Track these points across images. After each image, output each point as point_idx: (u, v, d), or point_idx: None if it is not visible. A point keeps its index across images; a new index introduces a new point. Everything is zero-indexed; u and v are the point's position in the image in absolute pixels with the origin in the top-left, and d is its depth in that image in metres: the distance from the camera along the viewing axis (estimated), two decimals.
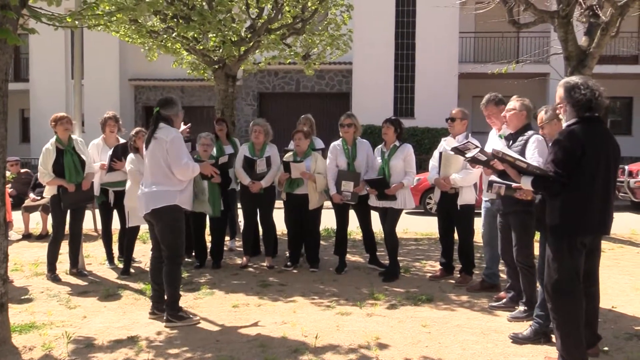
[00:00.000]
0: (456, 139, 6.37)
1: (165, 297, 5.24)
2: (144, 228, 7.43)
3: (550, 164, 3.98)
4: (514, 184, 4.48)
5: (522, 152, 4.92)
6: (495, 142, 5.72)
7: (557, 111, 4.26)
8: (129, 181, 6.91)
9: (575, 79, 4.14)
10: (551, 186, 3.99)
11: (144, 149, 5.33)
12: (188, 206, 5.37)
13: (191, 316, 5.30)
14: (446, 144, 6.49)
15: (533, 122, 5.27)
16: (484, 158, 5.08)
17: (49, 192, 6.83)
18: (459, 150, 5.51)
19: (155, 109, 5.26)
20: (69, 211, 6.87)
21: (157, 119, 5.21)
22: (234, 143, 8.34)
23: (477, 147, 5.30)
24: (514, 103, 5.26)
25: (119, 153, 7.11)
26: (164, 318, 5.19)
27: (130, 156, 6.84)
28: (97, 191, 7.29)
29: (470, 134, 6.38)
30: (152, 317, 5.35)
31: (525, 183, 4.15)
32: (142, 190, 5.26)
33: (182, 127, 5.73)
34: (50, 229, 7.83)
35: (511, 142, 5.19)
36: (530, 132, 5.10)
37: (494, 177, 5.06)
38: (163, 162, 5.09)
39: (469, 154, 5.12)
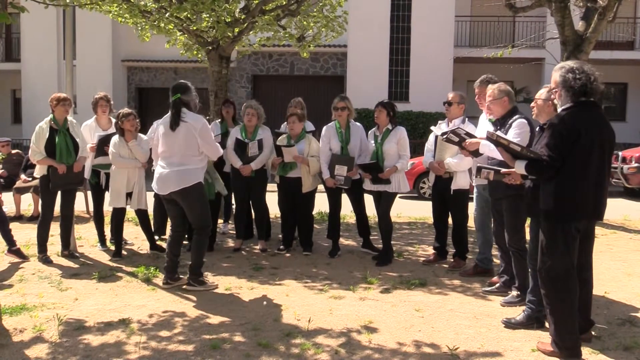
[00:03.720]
0: (452, 122, 6.34)
1: (190, 263, 5.72)
2: (132, 211, 7.41)
3: (544, 148, 3.96)
4: (502, 170, 4.47)
5: None
6: (485, 126, 5.70)
7: (552, 96, 4.23)
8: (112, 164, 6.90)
9: (570, 63, 4.12)
10: (545, 170, 3.97)
11: (170, 129, 5.53)
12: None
13: (211, 282, 5.78)
14: (438, 127, 6.47)
15: (520, 106, 5.28)
16: (456, 139, 5.14)
17: (39, 171, 6.76)
18: (449, 138, 5.50)
19: (176, 95, 5.56)
20: (59, 193, 6.83)
21: (179, 104, 5.55)
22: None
23: (466, 132, 5.31)
24: (491, 91, 5.30)
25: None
26: (187, 281, 5.69)
27: (114, 139, 6.81)
28: (88, 174, 7.24)
29: (467, 119, 6.36)
30: (167, 286, 5.73)
31: (519, 167, 4.13)
32: (169, 169, 5.56)
33: None
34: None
35: (499, 127, 5.17)
36: (515, 117, 5.10)
37: (482, 163, 5.07)
38: (194, 144, 5.52)
39: (439, 131, 5.20)
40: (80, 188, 7.34)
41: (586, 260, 4.25)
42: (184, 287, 5.64)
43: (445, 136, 5.23)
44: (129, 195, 6.99)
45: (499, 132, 4.53)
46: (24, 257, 6.79)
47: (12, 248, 6.82)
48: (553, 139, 3.92)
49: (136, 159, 6.88)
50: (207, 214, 5.73)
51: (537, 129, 4.60)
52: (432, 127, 6.61)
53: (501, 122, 5.20)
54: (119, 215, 7.05)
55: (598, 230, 8.72)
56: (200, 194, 5.65)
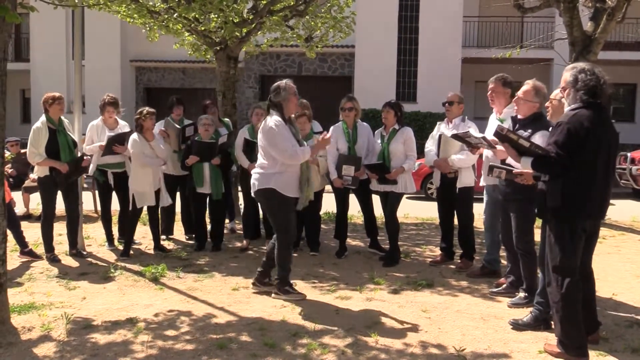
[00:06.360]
0: (453, 122, 6.38)
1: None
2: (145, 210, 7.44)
3: (552, 145, 3.98)
4: (515, 170, 4.46)
5: None
6: (494, 126, 5.66)
7: (561, 94, 4.26)
8: (132, 164, 6.90)
9: (582, 64, 4.18)
10: (552, 167, 3.99)
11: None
12: (289, 192, 5.38)
13: (298, 292, 5.46)
14: (444, 127, 6.49)
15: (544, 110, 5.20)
16: (485, 144, 5.09)
17: (40, 172, 6.73)
18: (460, 137, 5.48)
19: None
20: (60, 192, 6.83)
21: (269, 105, 5.44)
22: (227, 125, 8.47)
23: (474, 135, 5.31)
24: (527, 87, 5.06)
25: (122, 140, 7.06)
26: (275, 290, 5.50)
27: (133, 137, 6.81)
28: (92, 171, 7.26)
29: (466, 117, 6.40)
30: (253, 287, 5.66)
31: (525, 164, 4.14)
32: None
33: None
34: None
35: (517, 125, 5.05)
36: (542, 130, 4.95)
37: (494, 162, 5.05)
38: (264, 146, 5.34)
39: (449, 133, 5.17)
40: (89, 188, 7.35)
41: (587, 258, 4.27)
42: (272, 296, 5.43)
43: (476, 142, 5.19)
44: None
45: (508, 127, 4.52)
46: (36, 257, 6.83)
47: (25, 250, 6.87)
48: (561, 137, 3.95)
49: (158, 157, 6.93)
50: (281, 225, 5.39)
51: (551, 129, 4.57)
52: (437, 127, 6.63)
53: (521, 122, 5.03)
54: (135, 215, 7.08)
55: (606, 231, 8.69)
56: (270, 202, 5.41)
